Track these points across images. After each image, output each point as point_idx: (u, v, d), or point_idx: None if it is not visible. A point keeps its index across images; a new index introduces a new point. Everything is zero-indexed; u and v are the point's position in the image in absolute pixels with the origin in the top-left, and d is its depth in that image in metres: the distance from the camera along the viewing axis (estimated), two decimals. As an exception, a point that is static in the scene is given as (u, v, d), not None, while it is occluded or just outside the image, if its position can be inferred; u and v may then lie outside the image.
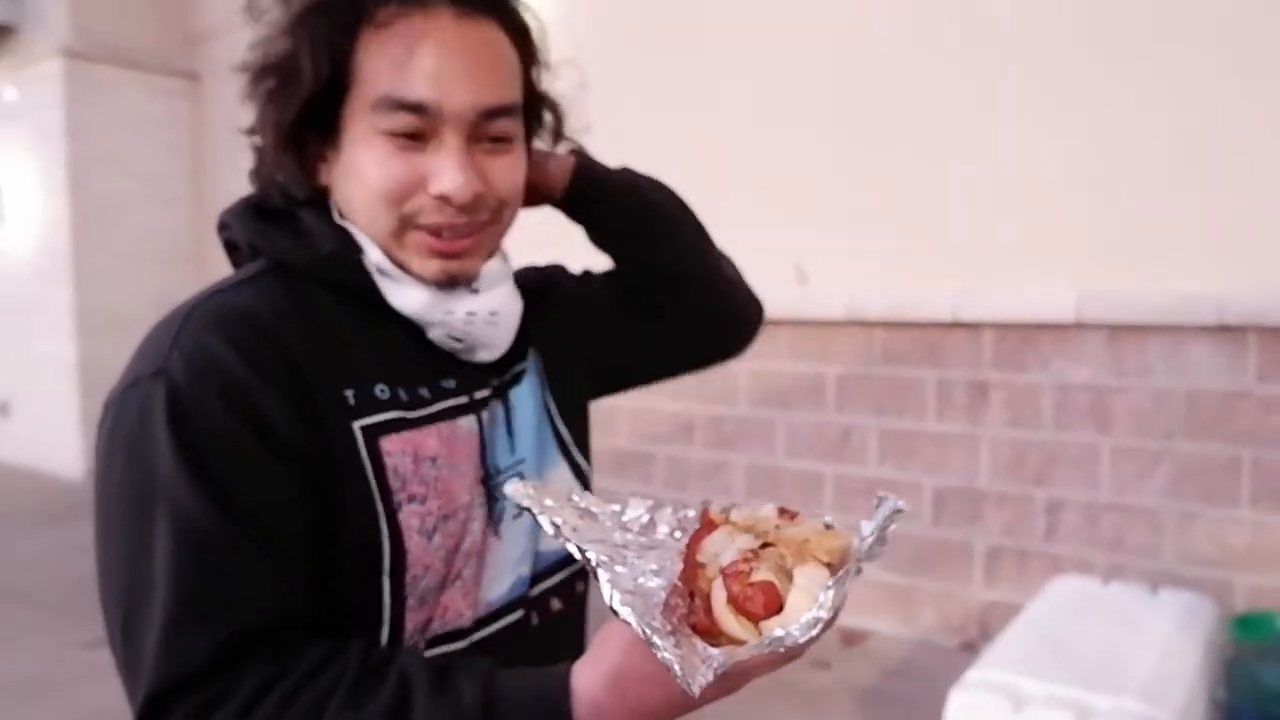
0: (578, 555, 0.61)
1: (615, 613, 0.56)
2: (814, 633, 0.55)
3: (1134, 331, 3.03)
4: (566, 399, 0.94)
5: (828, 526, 0.64)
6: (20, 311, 6.79)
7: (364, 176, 0.75)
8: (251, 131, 0.80)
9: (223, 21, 6.58)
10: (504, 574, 0.83)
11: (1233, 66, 2.85)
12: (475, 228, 0.78)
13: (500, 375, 0.86)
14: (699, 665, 0.54)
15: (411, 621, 0.76)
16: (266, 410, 0.69)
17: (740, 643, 0.57)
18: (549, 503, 0.66)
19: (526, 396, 0.89)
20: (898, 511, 0.61)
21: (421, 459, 0.76)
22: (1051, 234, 3.18)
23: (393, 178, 0.74)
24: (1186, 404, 2.96)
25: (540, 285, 0.97)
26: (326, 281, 0.77)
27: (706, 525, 0.65)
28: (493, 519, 0.82)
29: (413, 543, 0.74)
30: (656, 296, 1.03)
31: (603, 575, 0.59)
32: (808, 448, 3.73)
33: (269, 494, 0.68)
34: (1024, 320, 3.21)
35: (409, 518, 0.74)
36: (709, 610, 0.59)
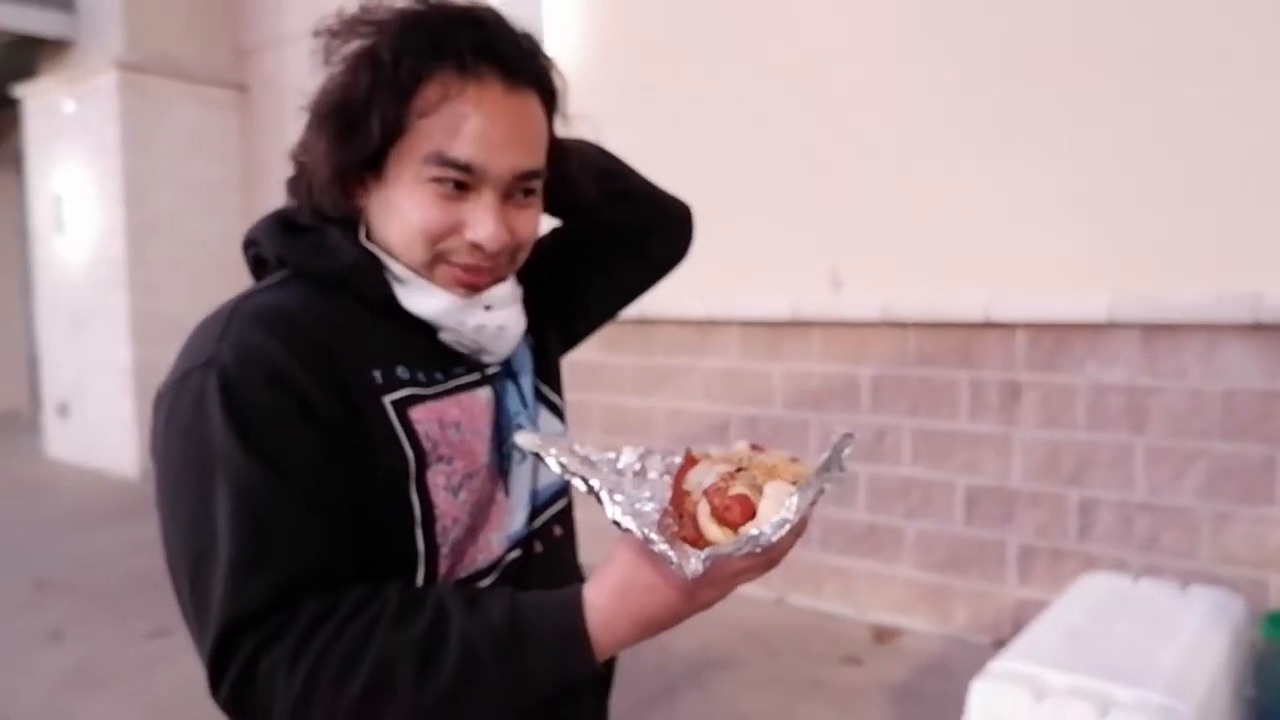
0: (582, 487, 0.73)
1: (617, 524, 0.68)
2: (783, 532, 0.66)
3: (1168, 331, 3.03)
4: (543, 357, 1.07)
5: (794, 459, 0.76)
6: (79, 318, 7.03)
7: (405, 215, 0.85)
8: (302, 153, 0.90)
9: (271, 36, 6.78)
10: (514, 515, 0.95)
11: (1265, 66, 2.85)
12: (497, 268, 0.89)
13: (498, 361, 0.98)
14: (690, 557, 0.65)
15: (443, 567, 0.87)
16: (305, 390, 0.79)
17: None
18: (554, 450, 0.78)
19: (528, 371, 1.03)
20: (847, 436, 0.73)
21: (446, 425, 0.88)
22: (1084, 234, 3.20)
23: (433, 221, 0.85)
24: (1222, 404, 2.96)
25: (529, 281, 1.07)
26: (347, 289, 0.87)
27: (689, 461, 0.76)
28: (504, 471, 0.94)
29: (439, 498, 0.86)
30: (606, 233, 1.12)
31: (605, 497, 0.70)
32: (841, 448, 3.77)
33: (311, 460, 0.78)
34: (1057, 320, 3.23)
35: (435, 476, 0.85)
36: (695, 524, 0.70)
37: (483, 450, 0.91)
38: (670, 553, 0.65)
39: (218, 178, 6.99)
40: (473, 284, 0.88)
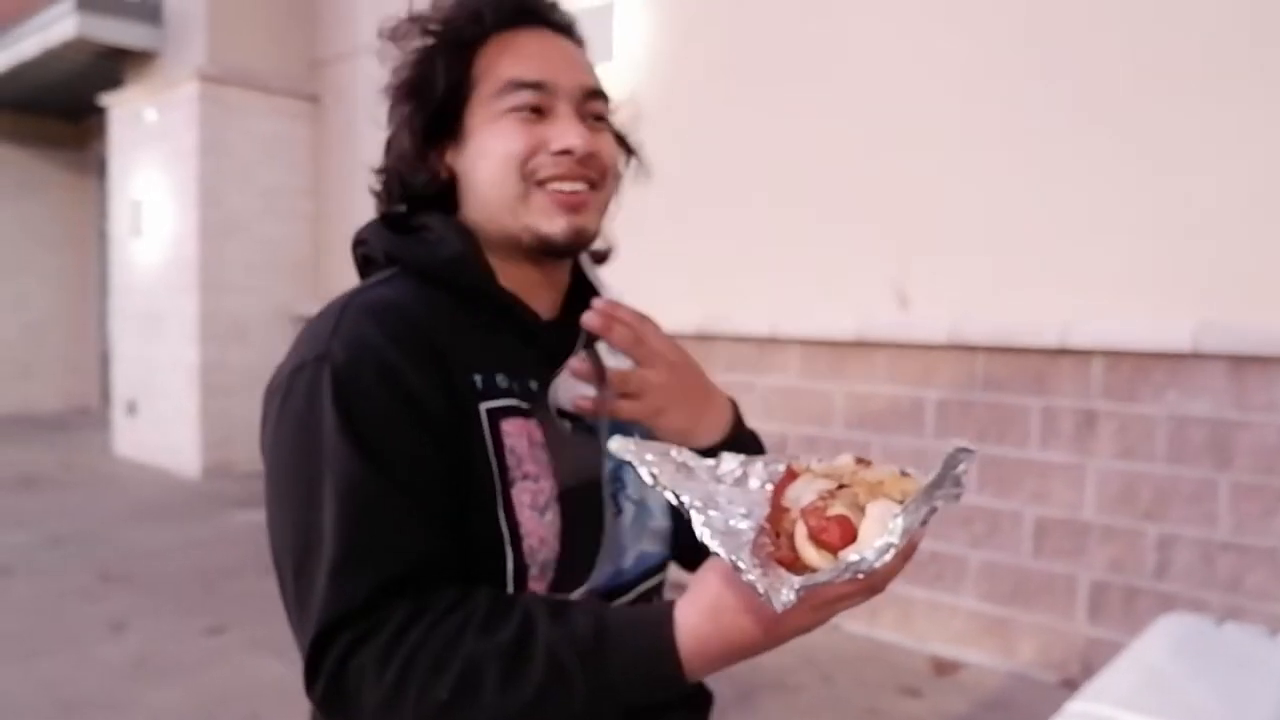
0: (673, 500, 0.68)
1: (707, 546, 0.63)
2: (886, 558, 0.60)
3: (1259, 363, 2.90)
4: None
5: (904, 473, 0.69)
6: (151, 318, 7.24)
7: (493, 150, 0.87)
8: (387, 151, 0.94)
9: (343, 49, 6.94)
10: (606, 563, 0.91)
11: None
12: (589, 184, 0.89)
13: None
14: (781, 587, 0.60)
15: (535, 589, 0.84)
16: (414, 387, 0.79)
17: (816, 569, 0.63)
18: (649, 457, 0.73)
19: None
20: (965, 450, 0.65)
21: (535, 443, 0.86)
22: (1166, 259, 3.08)
23: (517, 144, 0.87)
24: (1314, 441, 2.82)
25: None
26: (452, 283, 0.88)
27: (790, 475, 0.71)
28: (602, 509, 0.91)
29: (524, 515, 0.83)
30: None
31: (697, 517, 0.65)
32: (904, 472, 3.68)
33: (416, 459, 0.78)
34: (1136, 349, 3.11)
35: (521, 494, 0.83)
36: (791, 545, 0.65)
37: (570, 476, 0.88)
38: (759, 584, 0.60)
39: (289, 184, 7.17)
40: (571, 204, 0.88)
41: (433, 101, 0.89)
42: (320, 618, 0.73)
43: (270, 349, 6.89)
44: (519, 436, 0.84)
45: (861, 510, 0.64)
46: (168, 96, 6.92)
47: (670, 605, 0.72)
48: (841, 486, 0.68)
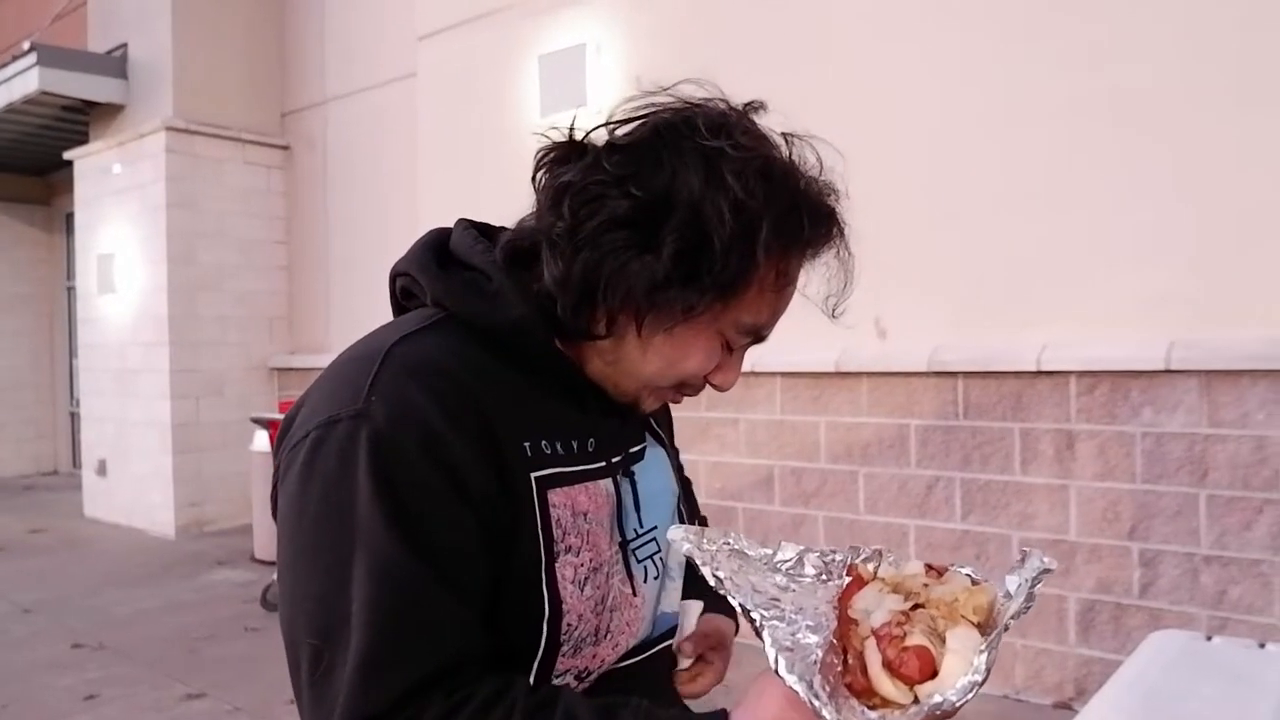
0: (737, 606, 0.66)
1: (781, 677, 0.60)
2: (969, 696, 0.58)
3: (1229, 377, 2.95)
4: (678, 475, 1.03)
5: (973, 581, 0.67)
6: (122, 375, 7.12)
7: (687, 358, 0.82)
8: (563, 233, 0.77)
9: (314, 98, 6.97)
10: (637, 629, 0.89)
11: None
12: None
13: (624, 449, 0.92)
14: None
15: (562, 666, 0.80)
16: (460, 461, 0.73)
17: (897, 704, 0.60)
18: (708, 546, 0.70)
19: (653, 471, 0.96)
20: (1045, 571, 0.64)
21: (578, 513, 0.82)
22: (1139, 278, 3.15)
23: (708, 367, 0.84)
24: (1288, 452, 2.86)
25: None
26: (509, 347, 0.81)
27: (857, 581, 0.69)
28: (632, 578, 0.88)
29: (567, 591, 0.79)
30: None
31: (766, 638, 0.62)
32: (890, 502, 3.69)
33: (460, 543, 0.73)
34: (1112, 368, 3.16)
35: (564, 568, 0.79)
36: (863, 669, 0.62)
37: (605, 544, 0.85)
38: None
39: (263, 235, 7.13)
40: (674, 403, 0.92)
41: (698, 286, 0.75)
42: (345, 715, 0.68)
43: (246, 404, 6.81)
44: (564, 507, 0.80)
45: (940, 637, 0.62)
46: (134, 149, 6.89)
47: (725, 714, 0.70)
48: (916, 606, 0.65)
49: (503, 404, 0.78)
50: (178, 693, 3.66)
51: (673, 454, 1.04)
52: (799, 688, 0.59)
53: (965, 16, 3.53)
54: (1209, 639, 2.60)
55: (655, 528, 0.92)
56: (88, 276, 7.54)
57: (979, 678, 0.58)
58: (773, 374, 4.01)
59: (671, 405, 0.98)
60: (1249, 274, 2.95)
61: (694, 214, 0.74)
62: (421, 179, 5.54)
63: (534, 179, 0.82)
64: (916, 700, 0.61)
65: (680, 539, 0.72)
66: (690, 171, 0.76)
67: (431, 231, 0.89)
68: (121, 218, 7.09)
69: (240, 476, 6.43)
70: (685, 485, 1.05)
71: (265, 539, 5.80)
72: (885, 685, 0.61)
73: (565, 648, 0.79)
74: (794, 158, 0.83)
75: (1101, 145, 3.22)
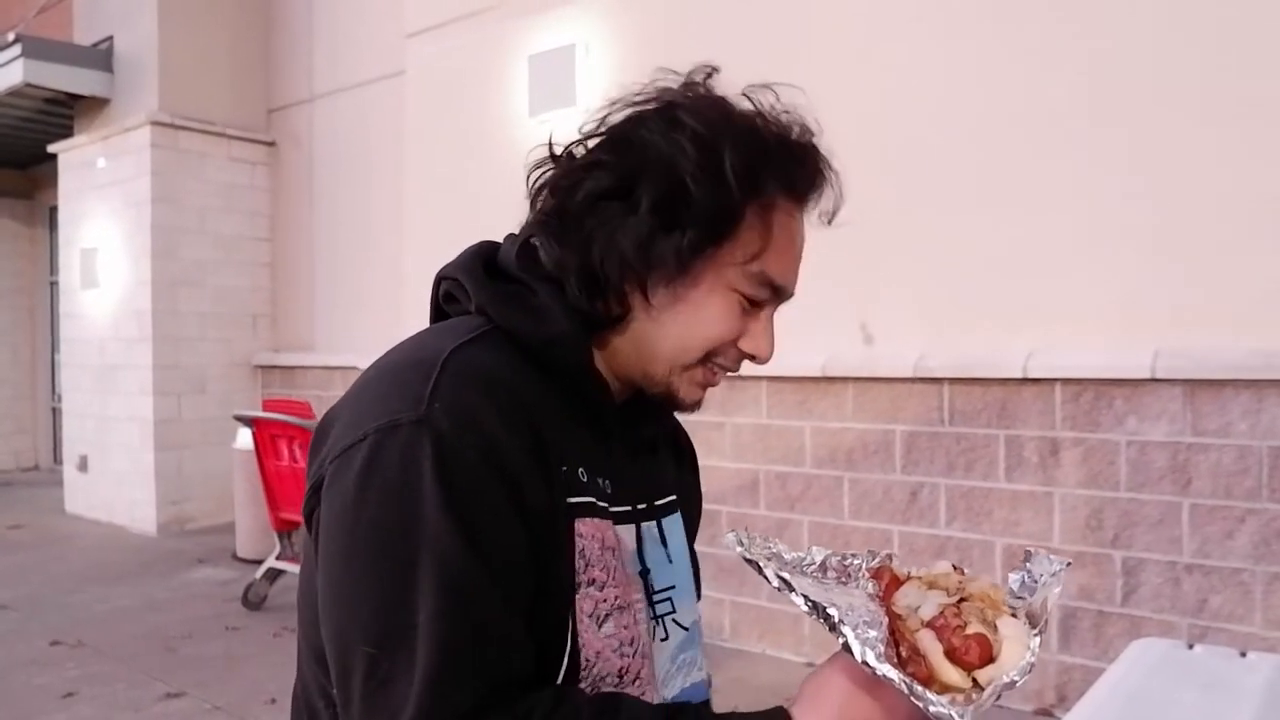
0: (804, 606, 0.68)
1: (871, 668, 0.63)
2: (1028, 675, 0.65)
3: (1213, 387, 2.97)
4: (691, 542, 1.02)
5: (994, 586, 0.73)
6: (104, 371, 7.07)
7: (706, 319, 0.81)
8: (578, 205, 0.80)
9: (300, 94, 6.93)
10: (667, 682, 0.88)
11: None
12: (734, 372, 0.88)
13: (651, 500, 0.91)
14: (966, 711, 0.63)
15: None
16: (519, 470, 0.73)
17: (957, 688, 0.65)
18: (759, 550, 0.75)
19: (678, 530, 0.95)
20: (1065, 568, 0.73)
21: (606, 547, 0.81)
22: (1125, 289, 3.16)
23: (729, 330, 0.82)
24: (1271, 461, 2.88)
25: (685, 444, 1.07)
26: (551, 363, 0.80)
27: (894, 581, 0.73)
28: (658, 627, 0.87)
29: (583, 625, 0.78)
30: None
31: (849, 633, 0.65)
32: (875, 507, 3.70)
33: (516, 555, 0.72)
34: (1097, 376, 3.17)
35: (583, 600, 0.78)
36: (919, 659, 0.66)
37: (633, 587, 0.84)
38: (949, 710, 0.62)
39: (248, 232, 7.09)
40: (715, 385, 0.87)
41: (720, 230, 0.78)
42: None
43: (229, 401, 6.76)
44: (592, 539, 0.79)
45: (991, 626, 0.67)
46: (119, 142, 6.83)
47: (784, 711, 0.71)
48: (962, 600, 0.70)
49: (549, 421, 0.78)
50: (157, 691, 3.62)
51: (691, 519, 1.02)
52: (893, 676, 0.63)
53: (950, 22, 3.54)
54: (1190, 647, 2.61)
55: (673, 587, 0.91)
56: (70, 271, 7.47)
57: (1034, 659, 0.65)
58: (759, 378, 4.01)
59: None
60: (1233, 284, 2.97)
61: (661, 163, 0.77)
62: (408, 177, 5.51)
63: (529, 198, 0.85)
64: (976, 684, 0.65)
65: (734, 542, 0.74)
66: (654, 132, 0.79)
67: (483, 241, 0.90)
68: (105, 212, 7.02)
69: (222, 474, 6.38)
70: (693, 556, 1.03)
71: (247, 537, 5.76)
72: (950, 673, 0.65)
73: (584, 684, 0.78)
74: (756, 102, 0.84)
75: (1088, 152, 3.23)
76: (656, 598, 0.88)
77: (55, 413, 9.33)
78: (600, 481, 0.83)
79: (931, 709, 0.62)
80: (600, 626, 0.79)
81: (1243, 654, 2.51)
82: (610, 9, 4.53)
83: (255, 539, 5.66)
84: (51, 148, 7.52)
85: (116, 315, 6.93)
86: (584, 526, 0.79)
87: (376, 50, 6.21)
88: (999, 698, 0.64)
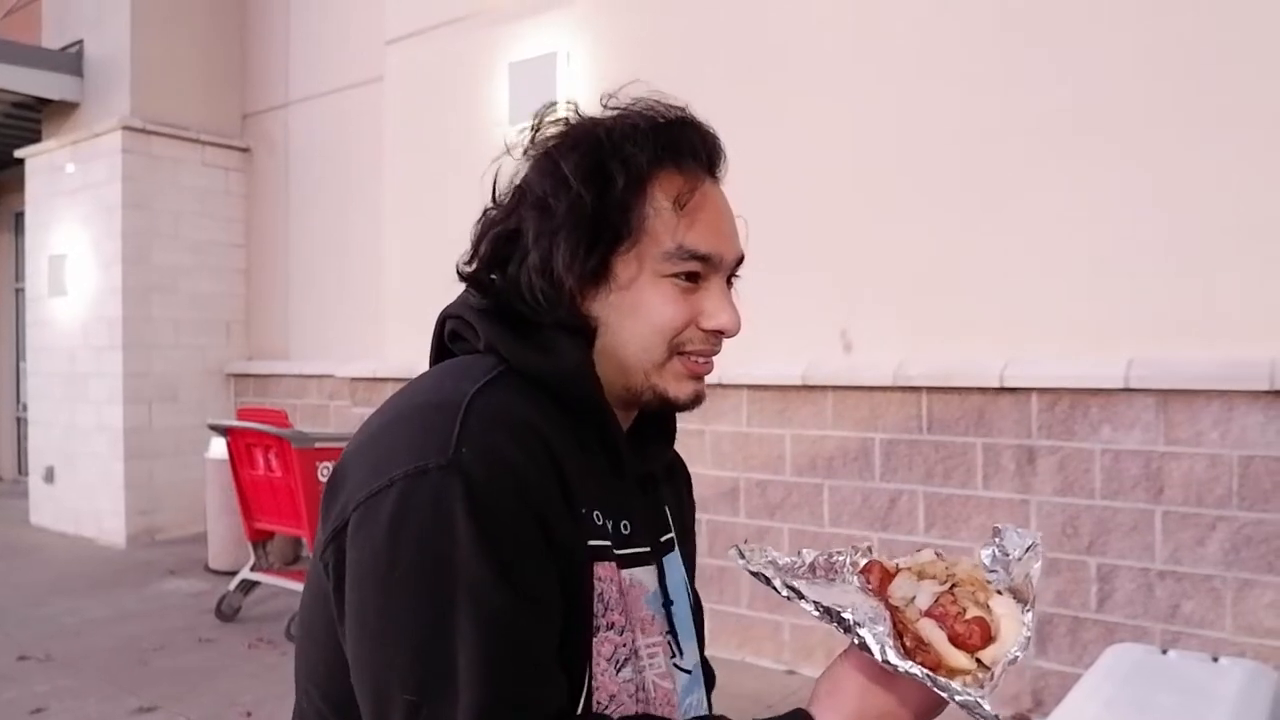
0: (815, 613, 0.69)
1: (894, 666, 0.65)
2: (1027, 649, 0.68)
3: (1184, 397, 3.03)
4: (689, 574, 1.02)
5: (975, 565, 0.76)
6: (72, 379, 6.94)
7: (650, 313, 0.83)
8: (515, 249, 0.85)
9: (275, 100, 6.87)
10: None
11: None
12: (715, 354, 0.89)
13: (656, 537, 0.92)
14: (983, 698, 0.66)
15: None
16: (549, 511, 0.74)
17: (963, 671, 0.67)
18: (760, 559, 0.76)
19: (676, 564, 0.96)
20: (1034, 545, 0.75)
21: (625, 590, 0.82)
22: (1099, 298, 3.22)
23: (677, 316, 0.84)
24: (1241, 470, 2.94)
25: (680, 470, 1.07)
26: (560, 395, 0.81)
27: (885, 574, 0.74)
28: (678, 666, 0.87)
29: (599, 668, 0.78)
30: None
31: (866, 635, 0.67)
32: (854, 514, 3.72)
33: (550, 595, 0.73)
34: (1072, 385, 3.22)
35: (601, 644, 0.78)
36: (925, 648, 0.68)
37: (654, 629, 0.84)
38: (974, 696, 0.64)
39: (221, 238, 7.00)
40: (702, 373, 0.87)
41: (603, 248, 0.82)
42: None
43: (201, 409, 6.67)
44: (609, 582, 0.79)
45: (985, 608, 0.70)
46: (88, 148, 6.72)
47: (805, 714, 0.72)
48: (953, 586, 0.72)
49: (569, 461, 0.78)
50: (128, 705, 3.56)
51: (687, 553, 1.03)
52: (916, 671, 0.65)
53: (931, 34, 3.59)
54: (1164, 653, 2.66)
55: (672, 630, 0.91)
56: (38, 278, 7.34)
57: (1030, 633, 0.68)
58: (739, 386, 4.03)
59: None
60: (1205, 296, 3.03)
61: (529, 195, 0.84)
62: (387, 185, 5.48)
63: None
64: (981, 665, 0.67)
65: (736, 556, 0.76)
66: (526, 172, 0.87)
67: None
68: (74, 218, 6.91)
69: (194, 484, 6.28)
70: (695, 597, 1.03)
71: (220, 548, 5.68)
72: (958, 657, 0.67)
73: None
74: (618, 105, 0.90)
75: (1066, 164, 3.29)
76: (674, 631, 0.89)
77: (20, 422, 9.15)
78: (620, 524, 0.84)
79: (957, 698, 0.64)
80: (618, 671, 0.79)
81: (1215, 659, 2.56)
82: (591, 17, 4.55)
83: (228, 550, 5.59)
84: (19, 152, 7.39)
85: (86, 322, 6.82)
86: (602, 570, 0.80)
87: (354, 56, 6.18)
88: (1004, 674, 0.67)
